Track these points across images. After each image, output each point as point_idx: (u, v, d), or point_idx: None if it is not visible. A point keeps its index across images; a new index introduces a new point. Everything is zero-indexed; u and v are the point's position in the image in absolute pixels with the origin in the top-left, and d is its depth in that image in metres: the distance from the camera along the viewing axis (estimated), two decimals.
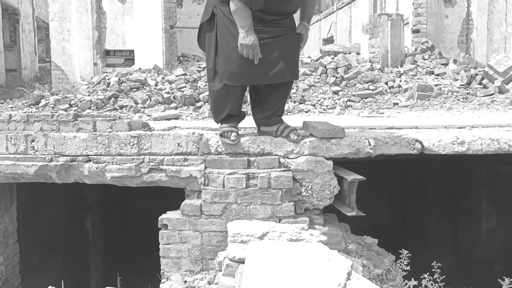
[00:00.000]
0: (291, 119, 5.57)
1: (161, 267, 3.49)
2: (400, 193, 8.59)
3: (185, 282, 3.29)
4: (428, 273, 3.31)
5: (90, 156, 3.67)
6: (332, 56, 9.84)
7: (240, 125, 4.10)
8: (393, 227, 8.32)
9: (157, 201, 7.22)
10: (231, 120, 3.42)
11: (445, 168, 7.49)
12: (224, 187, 3.41)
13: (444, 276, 3.43)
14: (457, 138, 3.42)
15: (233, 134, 3.38)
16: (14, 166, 3.77)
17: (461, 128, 4.09)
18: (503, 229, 6.83)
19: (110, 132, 3.66)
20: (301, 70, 9.23)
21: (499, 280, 3.38)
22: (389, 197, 8.59)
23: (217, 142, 3.50)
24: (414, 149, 3.47)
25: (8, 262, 4.26)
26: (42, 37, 18.73)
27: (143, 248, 8.45)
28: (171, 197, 4.82)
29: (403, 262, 3.37)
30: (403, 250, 3.43)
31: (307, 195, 3.39)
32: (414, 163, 7.50)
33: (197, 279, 3.31)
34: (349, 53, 10.76)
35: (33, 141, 3.77)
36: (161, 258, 3.51)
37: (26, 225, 5.45)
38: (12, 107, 6.71)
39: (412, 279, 3.18)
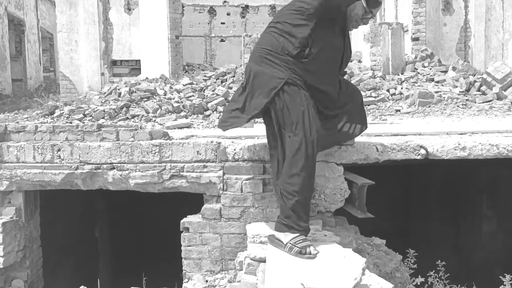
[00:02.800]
0: None
1: (183, 268, 3.71)
2: (403, 198, 8.76)
3: (206, 281, 3.50)
4: (433, 271, 3.53)
5: (114, 164, 3.90)
6: None
7: (252, 132, 4.33)
8: (396, 231, 8.50)
9: (163, 209, 7.44)
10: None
11: (446, 173, 7.65)
12: (242, 191, 3.64)
13: (449, 274, 3.65)
14: (459, 144, 3.66)
15: (312, 247, 2.74)
16: (42, 174, 3.99)
17: (462, 134, 4.32)
18: (503, 232, 6.98)
19: (132, 141, 3.89)
20: None
21: (500, 277, 3.59)
22: (392, 201, 8.77)
23: (234, 149, 3.73)
24: (419, 154, 3.70)
25: (33, 266, 4.48)
26: (46, 47, 19.01)
27: (149, 253, 8.68)
28: (178, 205, 5.02)
29: (410, 261, 3.60)
30: (410, 250, 3.66)
31: (319, 198, 3.61)
32: (416, 168, 7.69)
33: (217, 278, 3.53)
34: (351, 61, 11.01)
35: (59, 150, 3.99)
36: (183, 259, 3.73)
37: (44, 231, 5.66)
38: (27, 118, 6.94)
39: (419, 276, 3.41)
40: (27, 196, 4.32)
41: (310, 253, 2.63)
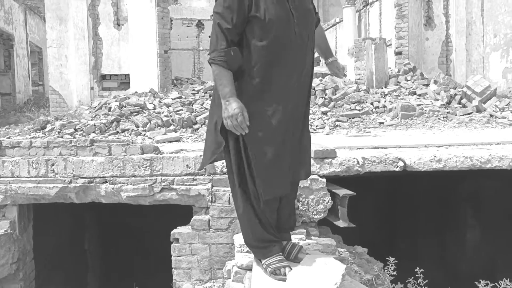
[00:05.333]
0: None
1: (173, 277, 3.86)
2: (389, 209, 8.93)
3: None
4: (412, 277, 3.72)
5: (106, 178, 4.06)
6: (320, 78, 10.36)
7: None
8: (382, 242, 8.65)
9: (154, 221, 7.56)
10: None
11: (431, 184, 7.81)
12: (229, 203, 3.81)
13: (427, 281, 3.84)
14: (435, 156, 3.88)
15: (287, 268, 2.68)
16: (36, 188, 4.13)
17: (439, 147, 4.55)
18: (487, 242, 7.16)
19: (124, 155, 4.06)
20: None
21: (475, 282, 3.79)
22: (378, 213, 8.94)
23: (222, 163, 3.91)
24: (397, 166, 3.91)
25: (26, 278, 4.58)
26: (35, 61, 19.08)
27: (138, 265, 8.76)
28: (169, 216, 5.15)
29: (390, 268, 3.79)
30: (390, 257, 3.85)
31: (303, 209, 3.80)
32: (402, 179, 7.88)
33: (206, 287, 3.68)
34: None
35: (53, 165, 4.14)
36: (173, 269, 3.88)
37: (35, 244, 5.76)
38: (19, 132, 7.06)
39: (399, 282, 3.59)
40: (21, 209, 4.45)
41: (283, 274, 2.65)
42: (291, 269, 2.69)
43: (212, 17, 2.51)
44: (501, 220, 6.39)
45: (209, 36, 2.56)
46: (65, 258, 7.25)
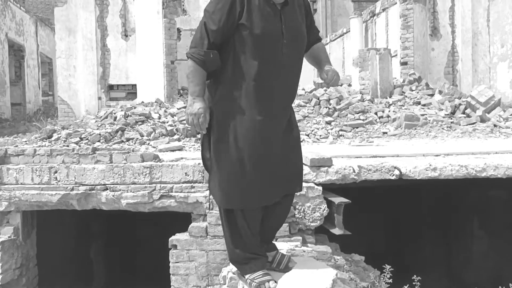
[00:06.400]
0: None
1: (171, 283, 3.92)
2: (396, 220, 8.90)
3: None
4: (408, 285, 3.74)
5: (107, 185, 4.14)
6: (324, 88, 10.43)
7: None
8: (389, 253, 8.59)
9: (157, 231, 7.62)
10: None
11: (438, 195, 7.77)
12: None
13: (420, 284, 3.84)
14: (430, 165, 3.91)
15: (272, 281, 2.64)
16: (39, 195, 4.23)
17: (437, 156, 4.58)
18: (494, 252, 7.10)
19: (125, 163, 4.14)
20: (296, 101, 9.81)
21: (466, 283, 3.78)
22: (384, 223, 8.91)
23: None
24: (393, 175, 3.96)
25: (29, 284, 4.67)
26: (45, 72, 19.40)
27: (141, 274, 8.81)
28: (169, 224, 5.21)
29: (386, 276, 3.81)
30: (386, 265, 3.87)
31: (300, 217, 3.85)
32: (408, 190, 7.86)
33: None
34: (341, 85, 11.36)
35: (56, 172, 4.24)
36: (171, 275, 3.94)
37: (40, 252, 5.85)
38: (26, 141, 7.20)
39: None
40: (25, 216, 4.55)
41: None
42: (276, 282, 2.67)
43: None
44: (509, 230, 6.36)
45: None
46: (70, 266, 7.33)
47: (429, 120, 8.60)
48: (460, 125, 8.50)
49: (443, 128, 8.34)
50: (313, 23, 2.72)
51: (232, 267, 3.32)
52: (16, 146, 6.32)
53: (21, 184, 4.28)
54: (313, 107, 9.52)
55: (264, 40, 2.39)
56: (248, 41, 2.38)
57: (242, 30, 2.38)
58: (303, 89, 11.01)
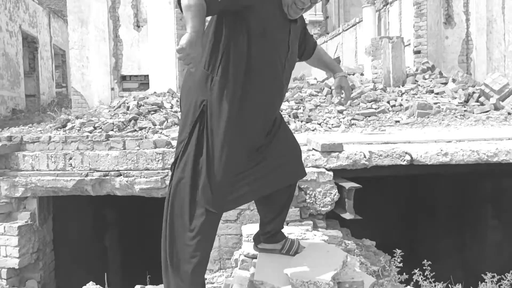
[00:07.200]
0: (298, 138, 6.06)
1: None
2: (409, 210, 8.88)
3: (205, 279, 3.76)
4: (418, 269, 3.76)
5: (120, 171, 4.21)
6: None
7: None
8: (402, 243, 8.55)
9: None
10: None
11: (451, 184, 7.73)
12: None
13: (434, 273, 3.87)
14: (441, 150, 3.91)
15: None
16: (55, 181, 4.31)
17: (449, 142, 4.56)
18: (508, 242, 7.06)
19: (138, 149, 4.20)
20: (308, 91, 9.79)
21: (482, 275, 3.80)
22: (398, 213, 8.88)
23: None
24: (404, 160, 3.96)
25: (46, 268, 4.77)
26: (58, 64, 19.57)
27: (157, 261, 8.90)
28: None
29: (397, 260, 3.83)
30: (397, 250, 3.89)
31: (310, 202, 3.88)
32: (421, 179, 7.81)
33: (216, 276, 3.79)
34: (353, 74, 11.31)
35: (70, 159, 4.31)
36: None
37: (56, 238, 5.97)
38: (41, 131, 7.31)
39: (404, 273, 3.64)
40: (41, 202, 4.64)
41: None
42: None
43: None
44: None
45: None
46: (86, 253, 7.46)
47: (442, 109, 8.54)
48: (473, 113, 8.43)
49: (456, 117, 8.27)
50: (307, 30, 2.66)
51: (244, 250, 3.37)
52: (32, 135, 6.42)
53: (37, 170, 4.36)
54: (325, 96, 9.50)
55: (273, 46, 2.23)
56: (253, 39, 2.18)
57: (251, 20, 2.15)
58: (315, 79, 10.99)
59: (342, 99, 2.64)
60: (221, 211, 2.43)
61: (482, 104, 8.81)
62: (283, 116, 2.84)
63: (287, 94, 9.53)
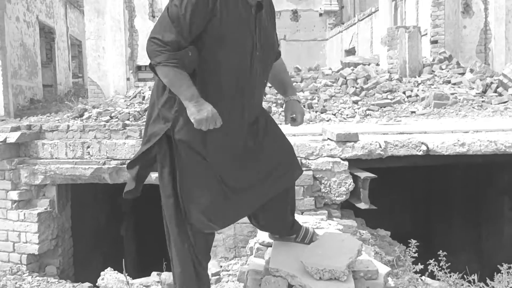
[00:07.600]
0: (313, 128, 6.07)
1: None
2: (424, 201, 8.83)
3: (221, 267, 3.81)
4: (433, 259, 3.75)
5: None
6: (352, 67, 10.32)
7: None
8: (417, 235, 8.51)
9: None
10: None
11: (467, 176, 7.66)
12: None
13: (450, 264, 3.86)
14: (458, 140, 3.88)
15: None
16: (73, 169, 4.38)
17: (465, 132, 4.53)
18: None
19: None
20: (322, 81, 9.75)
21: (498, 266, 3.79)
22: (413, 205, 8.84)
23: None
24: (420, 150, 3.94)
25: (65, 254, 4.87)
26: (75, 54, 19.73)
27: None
28: None
29: (412, 250, 3.83)
30: (412, 240, 3.89)
31: (325, 191, 3.89)
32: (437, 171, 7.74)
33: (231, 264, 3.84)
34: (369, 64, 11.22)
35: (88, 147, 4.38)
36: None
37: (75, 226, 6.09)
38: (58, 120, 7.41)
39: (419, 263, 3.64)
40: (60, 189, 4.73)
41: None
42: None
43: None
44: None
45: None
46: (103, 242, 7.59)
47: (459, 99, 8.44)
48: (491, 104, 8.32)
49: (473, 107, 8.18)
50: (277, 34, 2.40)
51: (259, 238, 3.40)
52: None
53: (56, 158, 4.44)
54: (340, 86, 9.46)
55: (233, 50, 2.08)
56: (214, 48, 2.07)
57: (210, 31, 2.04)
58: (330, 69, 10.92)
59: (292, 124, 2.45)
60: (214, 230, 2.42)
61: (500, 94, 8.69)
62: (281, 114, 2.77)
63: (302, 84, 9.50)
